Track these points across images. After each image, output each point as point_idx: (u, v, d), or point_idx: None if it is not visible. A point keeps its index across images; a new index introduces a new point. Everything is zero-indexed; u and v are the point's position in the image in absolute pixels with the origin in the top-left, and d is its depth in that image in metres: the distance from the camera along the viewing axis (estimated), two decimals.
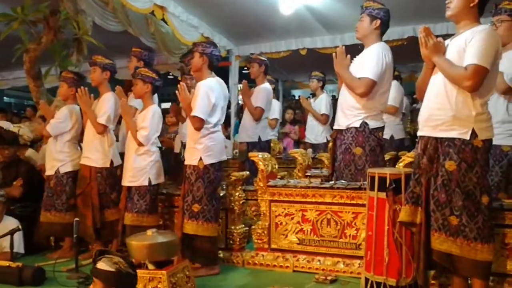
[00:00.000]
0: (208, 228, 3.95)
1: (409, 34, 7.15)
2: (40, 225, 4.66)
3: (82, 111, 4.65)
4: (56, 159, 4.68)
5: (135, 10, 6.00)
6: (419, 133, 3.08)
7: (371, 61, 3.81)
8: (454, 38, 2.95)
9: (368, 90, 3.79)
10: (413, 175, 3.04)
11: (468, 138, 2.78)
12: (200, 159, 3.94)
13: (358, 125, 3.86)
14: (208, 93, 3.94)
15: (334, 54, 3.96)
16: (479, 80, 2.72)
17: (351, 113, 3.90)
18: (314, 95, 7.52)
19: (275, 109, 6.85)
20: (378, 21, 3.90)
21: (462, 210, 2.78)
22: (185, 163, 4.08)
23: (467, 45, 2.78)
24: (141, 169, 4.21)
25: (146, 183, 4.22)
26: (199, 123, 3.91)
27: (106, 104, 4.49)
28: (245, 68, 9.92)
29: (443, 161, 2.84)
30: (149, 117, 4.24)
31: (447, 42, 2.97)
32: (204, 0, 6.47)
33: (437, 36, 6.85)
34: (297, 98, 14.89)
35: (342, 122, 3.97)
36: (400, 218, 3.03)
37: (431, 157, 2.91)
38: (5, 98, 15.66)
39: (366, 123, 3.85)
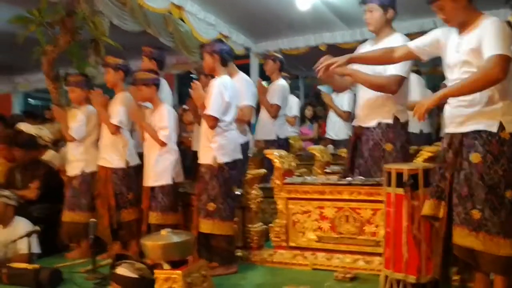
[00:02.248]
0: (224, 226, 3.92)
1: (430, 26, 6.96)
2: (63, 224, 4.70)
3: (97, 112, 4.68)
4: (80, 160, 4.73)
5: (152, 10, 6.01)
6: (446, 130, 3.00)
7: None
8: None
9: (399, 87, 3.67)
10: (438, 169, 2.97)
11: (495, 131, 2.70)
12: (215, 157, 3.92)
13: (390, 121, 3.72)
14: (221, 91, 3.91)
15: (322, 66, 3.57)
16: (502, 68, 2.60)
17: (380, 109, 3.76)
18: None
19: (293, 106, 6.77)
20: (391, 11, 3.77)
21: (485, 203, 2.70)
22: (199, 161, 4.06)
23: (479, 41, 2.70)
24: (165, 168, 4.26)
25: (171, 182, 4.27)
26: (213, 122, 3.88)
27: (119, 104, 4.50)
28: (262, 67, 9.89)
29: (467, 154, 2.76)
30: (166, 116, 4.26)
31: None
32: None
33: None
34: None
35: (370, 118, 3.83)
36: (423, 211, 2.96)
37: (456, 151, 2.84)
38: (30, 100, 15.89)
39: (397, 118, 3.74)
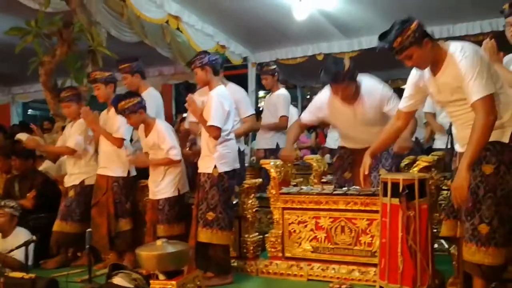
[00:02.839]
0: (223, 236, 3.90)
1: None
2: (52, 233, 4.68)
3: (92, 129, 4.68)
4: (82, 172, 4.76)
5: (149, 20, 6.04)
6: (458, 150, 2.97)
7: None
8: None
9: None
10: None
11: (507, 141, 2.70)
12: (215, 167, 3.92)
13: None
14: (221, 102, 3.92)
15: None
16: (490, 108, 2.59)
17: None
18: None
19: (293, 115, 6.79)
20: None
21: (494, 215, 2.68)
22: (199, 171, 4.06)
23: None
24: (171, 181, 4.24)
25: (176, 194, 4.26)
26: (217, 132, 3.87)
27: (119, 118, 4.48)
28: (260, 77, 9.91)
29: (478, 166, 2.71)
30: (165, 135, 4.23)
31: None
32: (218, 8, 6.46)
33: (455, 37, 6.74)
34: None
35: None
36: (442, 233, 3.00)
37: None
38: (30, 111, 15.90)
39: None
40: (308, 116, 4.17)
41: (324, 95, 4.04)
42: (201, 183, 4.00)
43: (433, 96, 2.97)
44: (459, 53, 2.67)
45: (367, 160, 3.29)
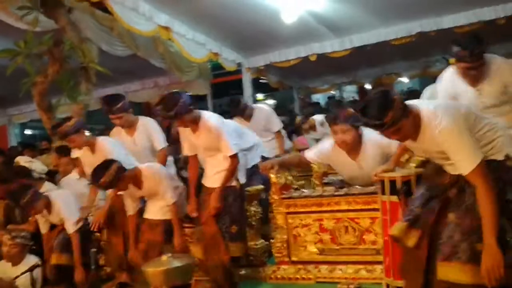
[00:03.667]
0: (242, 247, 4.01)
1: (417, 30, 7.03)
2: (48, 268, 4.62)
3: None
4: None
5: (139, 33, 6.02)
6: (451, 172, 2.79)
7: None
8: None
9: None
10: (421, 196, 2.84)
11: (503, 158, 2.65)
12: (237, 179, 4.01)
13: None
14: (223, 128, 3.96)
15: None
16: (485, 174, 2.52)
17: None
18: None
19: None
20: None
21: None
22: (210, 185, 4.07)
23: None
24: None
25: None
26: (236, 158, 3.94)
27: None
28: (259, 79, 9.93)
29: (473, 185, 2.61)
30: (165, 182, 4.19)
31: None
32: (208, 16, 6.44)
33: (444, 30, 6.74)
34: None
35: None
36: (391, 231, 2.87)
37: (462, 187, 2.68)
38: (27, 130, 15.91)
39: None
40: (313, 156, 4.23)
41: (329, 144, 4.13)
42: (218, 197, 3.94)
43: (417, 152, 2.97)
44: (434, 122, 2.57)
45: None
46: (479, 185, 2.49)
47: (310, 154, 4.26)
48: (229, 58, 8.09)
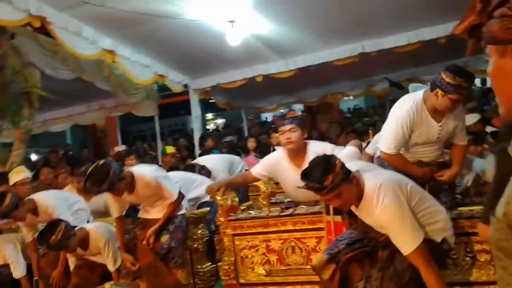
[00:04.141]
0: (188, 277, 4.15)
1: (358, 50, 7.27)
2: None
3: None
4: None
5: (83, 57, 5.98)
6: None
7: None
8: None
9: None
10: (350, 236, 2.96)
11: (439, 241, 2.79)
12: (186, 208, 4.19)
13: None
14: (159, 175, 4.10)
15: None
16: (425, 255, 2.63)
17: None
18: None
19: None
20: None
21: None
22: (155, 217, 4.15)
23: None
24: None
25: None
26: (180, 196, 4.15)
27: None
28: (208, 99, 9.97)
29: None
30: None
31: None
32: (153, 39, 6.47)
33: (385, 50, 6.94)
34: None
35: None
36: (312, 262, 3.02)
37: (393, 252, 2.77)
38: None
39: None
40: (259, 170, 4.22)
41: (273, 154, 4.24)
42: (176, 224, 4.11)
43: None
44: (376, 199, 2.64)
45: None
46: (420, 266, 2.57)
47: (256, 169, 4.27)
48: (175, 79, 8.12)
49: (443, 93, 3.27)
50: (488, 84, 13.20)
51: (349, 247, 2.88)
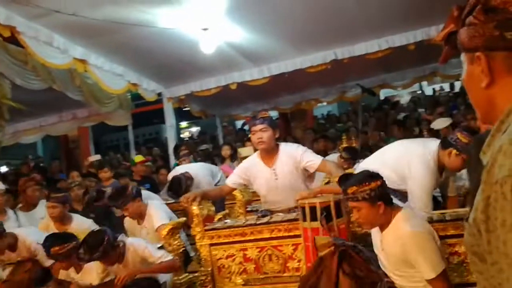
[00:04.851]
0: None
1: (331, 57, 7.35)
2: None
3: None
4: None
5: (54, 67, 5.88)
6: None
7: None
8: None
9: None
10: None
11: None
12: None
13: None
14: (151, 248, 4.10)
15: None
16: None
17: None
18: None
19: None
20: None
21: None
22: None
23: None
24: None
25: None
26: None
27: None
28: (182, 107, 9.92)
29: None
30: None
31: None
32: (126, 48, 6.40)
33: (356, 57, 7.03)
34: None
35: None
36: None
37: None
38: None
39: None
40: (234, 178, 4.29)
41: (250, 157, 4.31)
42: None
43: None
44: (404, 225, 2.80)
45: None
46: None
47: (231, 179, 4.32)
48: (149, 88, 8.06)
49: (457, 152, 3.36)
50: (457, 89, 13.48)
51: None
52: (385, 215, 2.84)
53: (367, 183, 2.78)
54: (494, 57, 1.02)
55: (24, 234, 4.50)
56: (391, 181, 3.50)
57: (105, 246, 3.73)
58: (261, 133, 3.96)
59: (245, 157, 4.74)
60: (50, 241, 3.97)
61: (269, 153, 4.04)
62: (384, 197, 2.83)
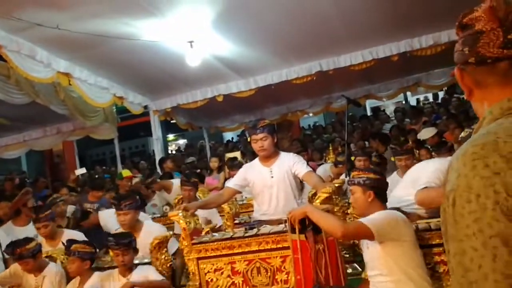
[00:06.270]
0: None
1: (316, 69, 7.38)
2: None
3: None
4: None
5: (37, 81, 5.82)
6: None
7: None
8: None
9: None
10: None
11: None
12: None
13: None
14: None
15: None
16: None
17: None
18: None
19: None
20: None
21: None
22: None
23: None
24: None
25: None
26: None
27: None
28: (169, 120, 9.88)
29: None
30: None
31: None
32: (111, 61, 6.37)
33: (341, 68, 7.07)
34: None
35: None
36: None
37: None
38: None
39: None
40: (235, 180, 4.46)
41: (252, 162, 4.53)
42: None
43: None
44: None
45: None
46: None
47: (232, 182, 4.57)
48: (135, 101, 8.02)
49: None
50: (439, 99, 13.62)
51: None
52: (373, 206, 3.02)
53: (367, 172, 3.12)
54: (465, 71, 1.10)
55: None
56: None
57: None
58: (262, 142, 4.15)
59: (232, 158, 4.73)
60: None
61: (269, 157, 4.25)
62: (376, 189, 3.06)
